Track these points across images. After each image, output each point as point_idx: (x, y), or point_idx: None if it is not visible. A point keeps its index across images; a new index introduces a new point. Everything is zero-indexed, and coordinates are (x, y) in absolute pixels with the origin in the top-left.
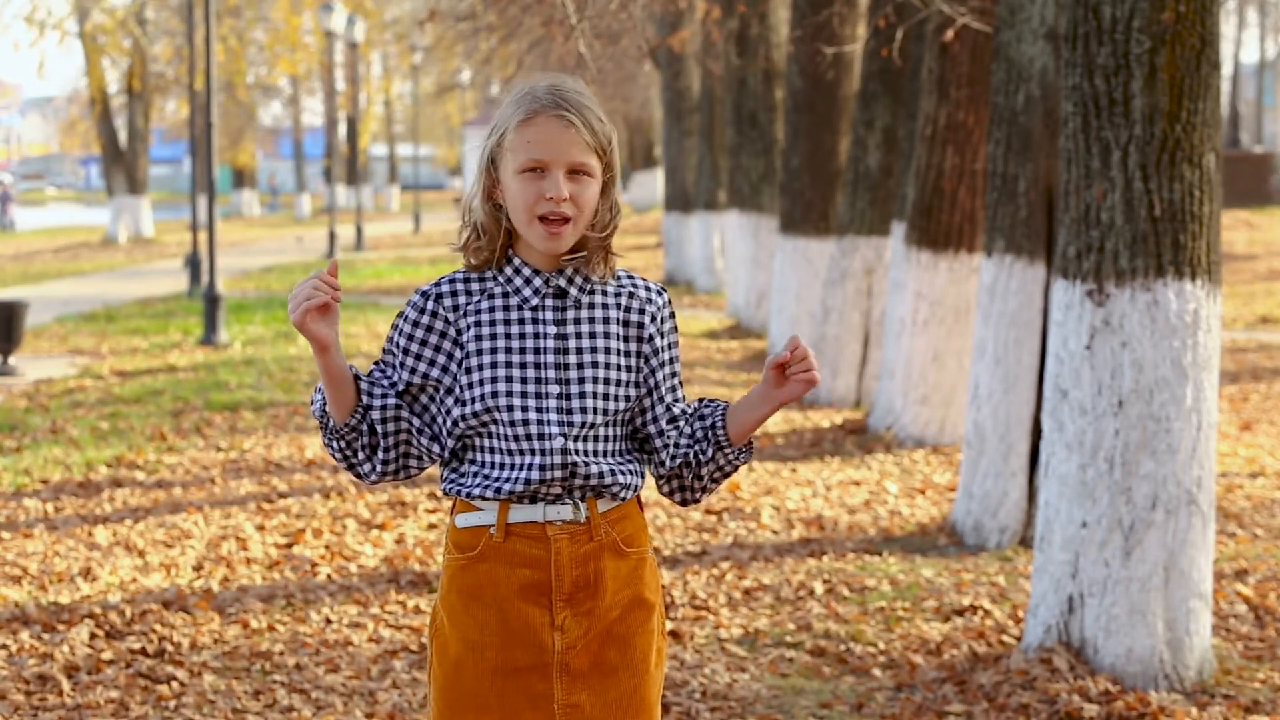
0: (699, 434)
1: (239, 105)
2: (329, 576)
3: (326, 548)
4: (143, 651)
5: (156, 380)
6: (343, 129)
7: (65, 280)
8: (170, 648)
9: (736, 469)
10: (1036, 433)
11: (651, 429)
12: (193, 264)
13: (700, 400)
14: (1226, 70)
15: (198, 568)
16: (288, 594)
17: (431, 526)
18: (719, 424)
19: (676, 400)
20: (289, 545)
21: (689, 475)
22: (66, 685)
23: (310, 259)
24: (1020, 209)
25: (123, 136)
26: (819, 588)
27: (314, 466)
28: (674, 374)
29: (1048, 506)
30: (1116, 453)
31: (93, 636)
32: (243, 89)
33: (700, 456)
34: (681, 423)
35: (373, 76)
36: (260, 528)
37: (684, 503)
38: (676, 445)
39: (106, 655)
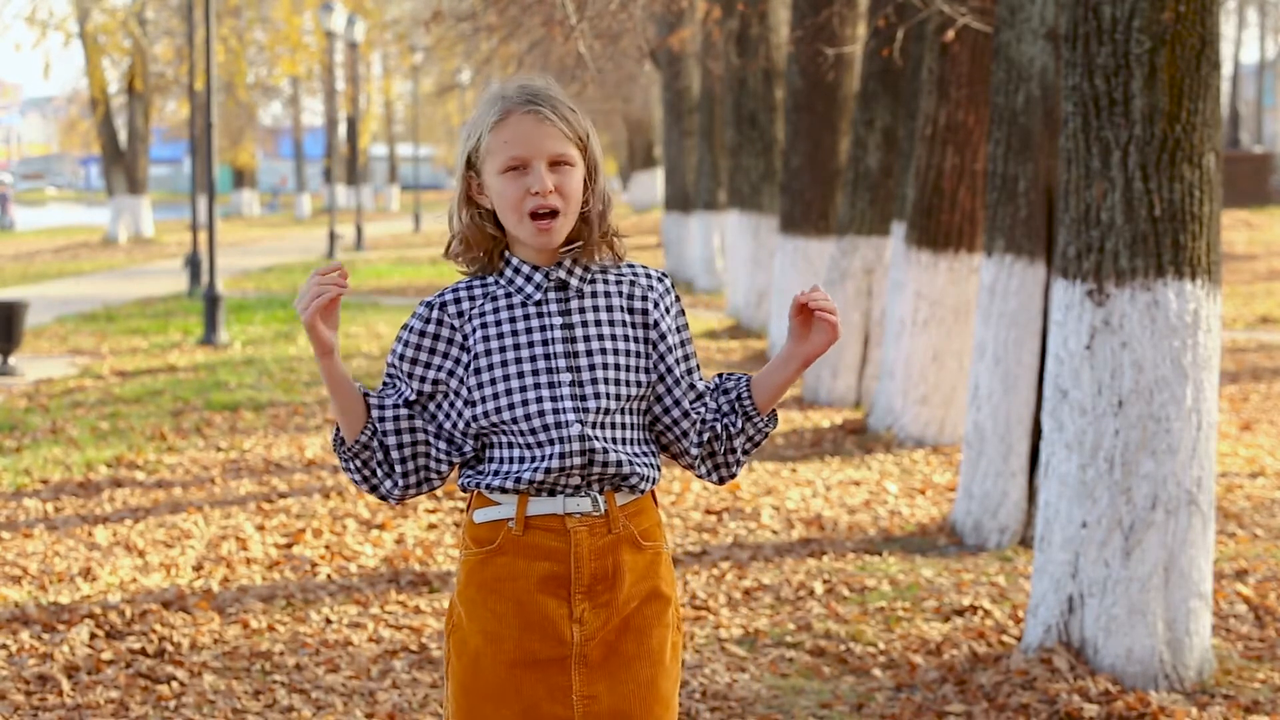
0: (725, 407)
1: (239, 105)
2: (329, 576)
3: (326, 548)
4: (143, 651)
5: (156, 380)
6: (343, 129)
7: (65, 280)
8: (170, 648)
9: (766, 437)
10: (1036, 433)
11: (676, 412)
12: (193, 264)
13: (720, 375)
14: (1226, 70)
15: (198, 568)
16: (288, 594)
17: (432, 527)
18: (745, 394)
19: (696, 379)
20: (289, 545)
21: (721, 449)
22: (66, 685)
23: (311, 259)
24: (1020, 209)
25: (123, 136)
26: (819, 588)
27: (314, 466)
28: (687, 355)
29: (1048, 506)
30: (1116, 453)
31: (93, 636)
32: (243, 89)
33: (730, 429)
34: (707, 398)
35: (373, 76)
36: (260, 528)
37: (721, 480)
38: (704, 421)
39: (106, 655)
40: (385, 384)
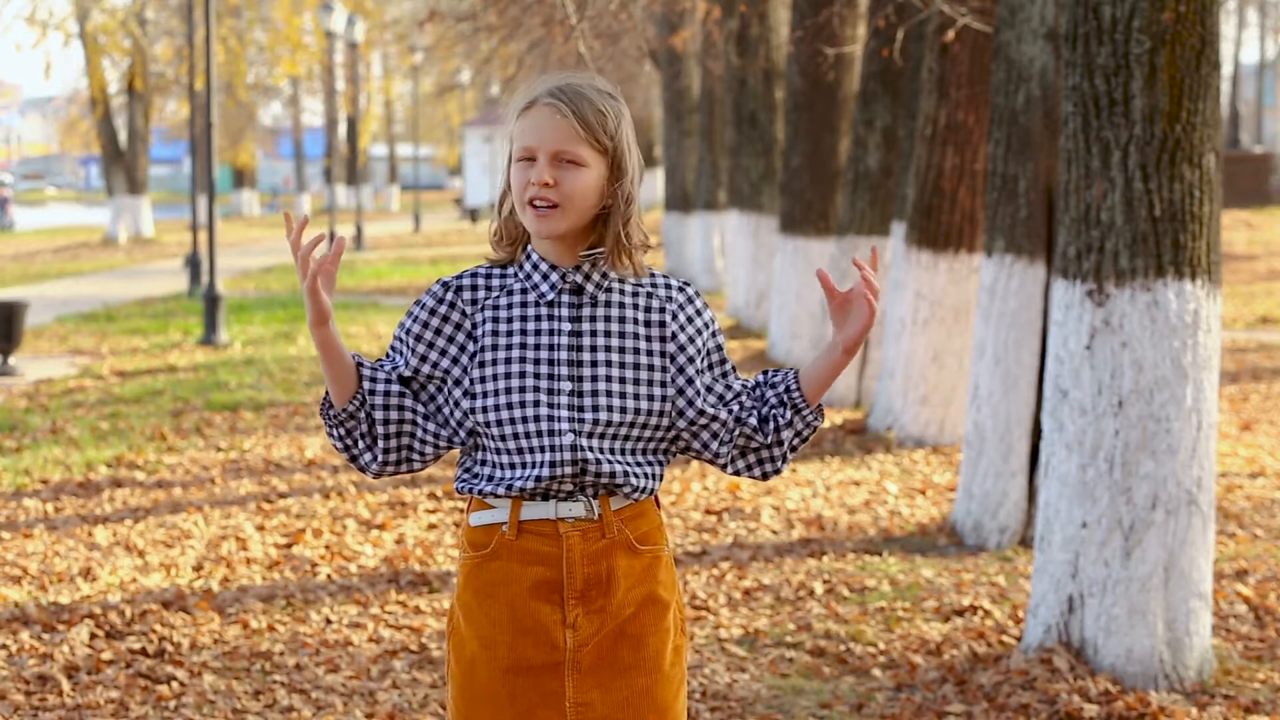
0: (773, 399)
1: (239, 105)
2: (329, 576)
3: (326, 548)
4: (143, 651)
5: (156, 380)
6: (343, 129)
7: (65, 280)
8: (170, 648)
9: (814, 431)
10: (1036, 433)
11: (700, 420)
12: (193, 264)
13: (766, 371)
14: (1226, 70)
15: (198, 568)
16: (288, 594)
17: (432, 527)
18: (794, 386)
19: (733, 380)
20: (289, 545)
21: (767, 442)
22: (66, 685)
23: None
24: (1020, 209)
25: (123, 136)
26: (819, 588)
27: (314, 466)
28: (723, 360)
29: (1048, 506)
30: (1116, 453)
31: (93, 636)
32: (243, 89)
33: (778, 420)
34: (744, 397)
35: (373, 76)
36: (260, 528)
37: (765, 475)
38: (738, 419)
39: (106, 655)
40: (388, 355)
